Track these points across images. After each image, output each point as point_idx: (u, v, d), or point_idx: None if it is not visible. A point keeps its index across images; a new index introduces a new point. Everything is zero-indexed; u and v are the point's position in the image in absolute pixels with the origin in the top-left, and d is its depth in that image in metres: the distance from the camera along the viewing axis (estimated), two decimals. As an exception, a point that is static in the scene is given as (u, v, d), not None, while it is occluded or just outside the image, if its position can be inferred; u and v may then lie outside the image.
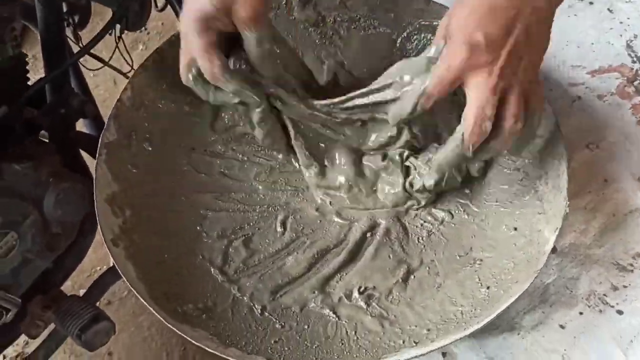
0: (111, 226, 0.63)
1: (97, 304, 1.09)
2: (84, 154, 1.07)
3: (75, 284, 1.41)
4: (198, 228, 0.70)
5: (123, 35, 1.07)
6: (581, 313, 0.65)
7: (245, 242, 0.69)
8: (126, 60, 1.10)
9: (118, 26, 1.02)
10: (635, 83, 0.78)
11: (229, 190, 0.73)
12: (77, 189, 0.96)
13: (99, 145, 0.66)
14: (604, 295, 0.66)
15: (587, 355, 0.63)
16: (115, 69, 1.06)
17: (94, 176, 0.64)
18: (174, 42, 0.73)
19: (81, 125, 1.10)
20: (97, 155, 0.66)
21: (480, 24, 0.53)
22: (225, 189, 0.73)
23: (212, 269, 0.67)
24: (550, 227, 0.62)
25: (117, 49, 1.04)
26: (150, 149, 0.72)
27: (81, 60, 1.03)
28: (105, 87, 1.77)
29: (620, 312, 0.65)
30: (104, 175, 0.65)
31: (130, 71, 1.09)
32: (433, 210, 0.70)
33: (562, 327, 0.65)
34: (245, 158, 0.75)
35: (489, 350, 0.65)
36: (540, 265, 0.59)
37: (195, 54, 0.60)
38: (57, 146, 1.02)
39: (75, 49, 1.09)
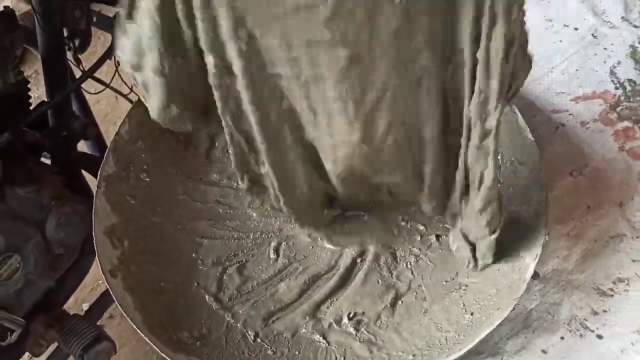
0: (110, 257, 0.66)
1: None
2: (86, 174, 1.10)
3: (77, 299, 1.44)
4: (194, 255, 0.73)
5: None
6: (562, 338, 0.68)
7: (239, 269, 0.72)
8: (125, 82, 1.12)
9: (118, 51, 1.05)
10: (618, 109, 0.80)
11: (224, 217, 0.76)
12: (78, 211, 0.99)
13: (97, 178, 0.69)
14: (585, 320, 0.68)
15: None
16: (116, 90, 1.08)
17: (93, 208, 0.67)
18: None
19: (82, 145, 1.13)
20: (96, 188, 0.68)
21: None
22: (220, 217, 0.76)
23: (207, 297, 0.69)
24: (531, 254, 0.64)
25: (117, 72, 1.06)
26: (147, 179, 0.74)
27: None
28: (107, 102, 1.79)
29: (600, 337, 0.67)
30: (103, 207, 0.68)
31: (129, 93, 1.12)
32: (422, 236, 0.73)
33: (544, 352, 0.67)
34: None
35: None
36: (520, 292, 0.61)
37: None
38: (59, 167, 1.05)
39: (76, 71, 1.12)
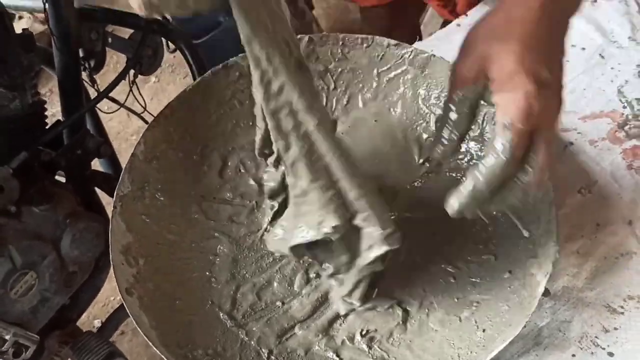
0: (126, 276, 0.67)
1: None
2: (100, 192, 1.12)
3: (89, 315, 1.46)
4: (207, 274, 0.74)
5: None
6: (574, 355, 0.68)
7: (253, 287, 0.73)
8: (138, 101, 1.14)
9: (132, 71, 1.07)
10: (626, 128, 0.81)
11: (237, 236, 0.77)
12: (93, 229, 1.01)
13: (114, 198, 0.70)
14: (596, 337, 0.69)
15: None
16: (130, 110, 1.11)
17: (110, 228, 0.68)
18: (184, 98, 0.78)
19: (95, 163, 1.15)
20: (112, 208, 0.70)
21: (539, 60, 0.48)
22: (234, 235, 0.77)
23: (221, 314, 0.70)
24: (542, 271, 0.65)
25: (131, 92, 1.09)
26: (162, 199, 0.76)
27: (97, 102, 1.08)
28: (120, 119, 1.82)
29: (611, 354, 0.68)
30: (119, 227, 0.69)
31: (143, 112, 1.14)
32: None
33: (555, 369, 0.68)
34: (253, 204, 0.79)
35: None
36: (532, 309, 0.62)
37: None
38: (74, 186, 1.07)
39: (91, 90, 1.15)
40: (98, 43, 1.06)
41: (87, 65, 1.10)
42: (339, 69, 0.83)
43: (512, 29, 0.49)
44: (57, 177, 1.05)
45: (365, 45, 0.82)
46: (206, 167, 0.80)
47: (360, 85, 0.84)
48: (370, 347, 0.68)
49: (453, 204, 0.55)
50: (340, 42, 0.82)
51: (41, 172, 0.98)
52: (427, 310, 0.70)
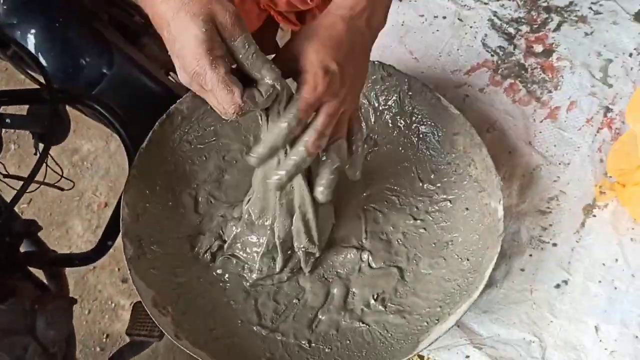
0: (167, 325, 0.73)
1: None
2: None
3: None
4: (225, 299, 0.81)
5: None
6: (530, 255, 0.87)
7: (269, 295, 0.82)
8: (54, 171, 1.13)
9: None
10: (499, 71, 1.00)
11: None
12: (60, 306, 1.01)
13: (126, 262, 0.75)
14: (540, 236, 0.88)
15: (545, 284, 0.85)
16: (52, 185, 1.10)
17: (135, 289, 0.73)
18: (143, 155, 0.83)
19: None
20: (128, 271, 0.74)
21: (330, 55, 0.62)
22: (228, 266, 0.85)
23: (254, 328, 0.78)
24: (494, 199, 0.81)
25: (42, 163, 1.07)
26: (158, 250, 0.81)
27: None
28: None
29: (555, 244, 0.87)
30: (141, 285, 0.74)
31: (59, 180, 1.14)
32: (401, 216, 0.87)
33: (522, 270, 0.86)
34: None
35: (480, 305, 0.84)
36: (500, 230, 0.78)
37: (211, 88, 0.57)
38: (6, 272, 1.05)
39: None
40: (-3, 127, 1.04)
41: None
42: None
43: (319, 33, 0.64)
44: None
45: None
46: (182, 209, 0.86)
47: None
48: (385, 307, 0.80)
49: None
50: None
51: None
52: (415, 261, 0.84)
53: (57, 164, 1.11)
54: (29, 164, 1.75)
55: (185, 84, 0.60)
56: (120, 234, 0.77)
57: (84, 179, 1.80)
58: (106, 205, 1.78)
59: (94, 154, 1.85)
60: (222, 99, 0.57)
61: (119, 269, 1.65)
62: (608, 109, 0.96)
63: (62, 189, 1.14)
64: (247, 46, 0.58)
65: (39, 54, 1.19)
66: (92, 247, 1.05)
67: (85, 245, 1.72)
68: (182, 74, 0.58)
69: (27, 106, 1.06)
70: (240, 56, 0.58)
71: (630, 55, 1.01)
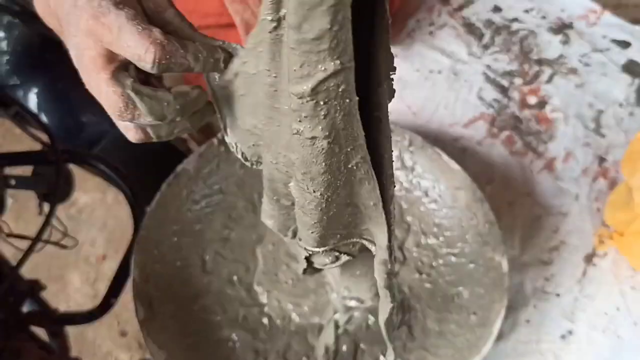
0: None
1: None
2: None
3: None
4: (230, 344, 0.82)
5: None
6: (535, 306, 0.88)
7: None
8: (59, 229, 1.14)
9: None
10: (495, 124, 1.03)
11: (243, 319, 0.85)
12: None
13: (140, 328, 0.75)
14: (543, 287, 0.89)
15: (551, 335, 0.86)
16: (56, 244, 1.10)
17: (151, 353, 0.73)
18: (151, 215, 0.84)
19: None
20: (143, 336, 0.75)
21: None
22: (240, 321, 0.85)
23: None
24: (498, 252, 0.83)
25: (49, 224, 1.08)
26: (169, 310, 0.82)
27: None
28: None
29: (558, 295, 0.89)
30: (153, 347, 0.75)
31: (63, 238, 1.14)
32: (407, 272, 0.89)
33: (527, 321, 0.87)
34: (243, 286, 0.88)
35: (489, 359, 0.84)
36: (506, 283, 0.80)
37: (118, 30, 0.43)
38: (9, 333, 1.04)
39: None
40: (1, 189, 1.05)
41: (-11, 213, 1.08)
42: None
43: None
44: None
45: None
46: (190, 268, 0.87)
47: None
48: (401, 355, 0.81)
49: None
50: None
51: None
52: (422, 316, 0.85)
53: (60, 222, 1.12)
54: (27, 219, 1.75)
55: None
56: (132, 295, 0.77)
57: (81, 232, 1.80)
58: (104, 258, 1.78)
59: (91, 206, 1.85)
60: (135, 38, 0.42)
61: (118, 323, 1.64)
62: (602, 159, 0.99)
63: (65, 247, 1.14)
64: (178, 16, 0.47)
65: (41, 113, 1.21)
66: (90, 300, 1.06)
67: (84, 299, 1.71)
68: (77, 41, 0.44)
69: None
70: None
71: (621, 105, 1.05)
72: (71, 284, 1.73)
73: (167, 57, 0.43)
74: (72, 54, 0.46)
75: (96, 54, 0.44)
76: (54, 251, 1.71)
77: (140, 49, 0.42)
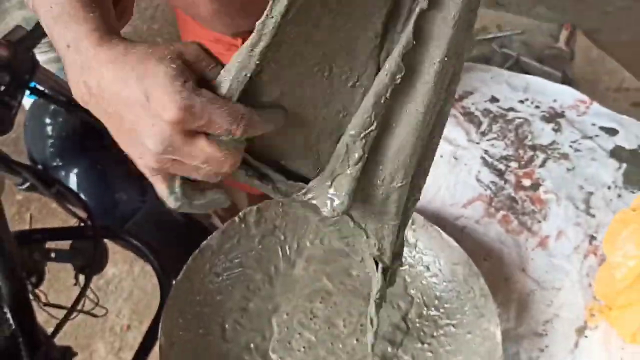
0: None
1: None
2: None
3: None
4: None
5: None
6: (529, 376, 0.94)
7: None
8: (92, 300, 1.23)
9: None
10: (493, 204, 1.12)
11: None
12: None
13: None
14: (537, 357, 0.96)
15: (545, 402, 0.92)
16: (88, 313, 1.20)
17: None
18: (177, 286, 0.94)
19: None
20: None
21: None
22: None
23: None
24: (493, 323, 0.90)
25: (84, 295, 1.18)
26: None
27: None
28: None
29: (551, 365, 0.95)
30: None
31: (94, 308, 1.24)
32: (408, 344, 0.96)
33: (523, 390, 0.93)
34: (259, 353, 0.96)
35: None
36: (499, 353, 0.87)
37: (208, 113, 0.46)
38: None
39: (35, 306, 1.21)
40: (42, 262, 1.16)
41: (29, 282, 1.18)
42: (284, 223, 1.05)
43: None
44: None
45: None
46: (211, 336, 0.96)
47: (303, 230, 1.06)
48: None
49: None
50: (280, 203, 1.04)
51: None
52: (424, 379, 0.92)
53: (93, 292, 1.22)
54: (57, 289, 1.86)
55: (159, 146, 0.48)
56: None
57: (108, 302, 1.90)
58: (128, 327, 1.86)
59: (118, 277, 1.96)
60: (224, 116, 0.46)
61: (139, 390, 1.70)
62: (592, 237, 1.07)
63: (96, 316, 1.23)
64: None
65: (80, 192, 1.33)
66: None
67: (108, 368, 1.79)
68: (159, 129, 0.47)
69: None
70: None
71: (609, 187, 1.14)
72: (97, 353, 1.81)
73: (249, 127, 0.48)
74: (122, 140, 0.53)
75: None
76: (81, 320, 1.80)
77: (230, 121, 0.47)
